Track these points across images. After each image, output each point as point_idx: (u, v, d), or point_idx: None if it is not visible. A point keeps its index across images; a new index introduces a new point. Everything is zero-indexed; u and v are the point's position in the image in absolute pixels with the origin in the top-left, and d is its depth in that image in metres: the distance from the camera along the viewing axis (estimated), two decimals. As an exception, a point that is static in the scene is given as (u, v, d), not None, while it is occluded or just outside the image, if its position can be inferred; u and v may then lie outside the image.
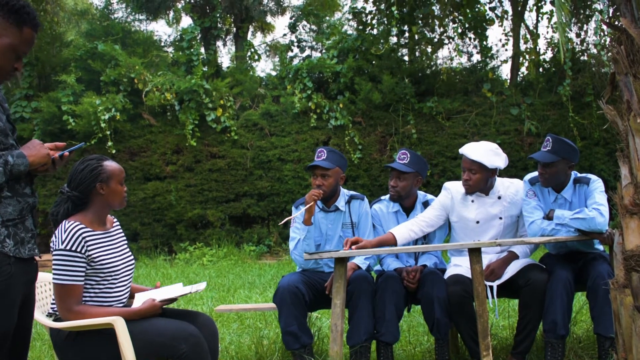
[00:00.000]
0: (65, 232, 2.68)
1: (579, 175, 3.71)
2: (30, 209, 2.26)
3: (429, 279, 3.59)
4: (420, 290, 3.62)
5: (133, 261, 2.97)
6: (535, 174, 3.72)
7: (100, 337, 2.69)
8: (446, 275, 3.69)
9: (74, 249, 2.67)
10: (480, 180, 3.71)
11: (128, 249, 2.97)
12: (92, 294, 2.77)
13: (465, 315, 3.48)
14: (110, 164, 2.83)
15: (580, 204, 3.63)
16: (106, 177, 2.78)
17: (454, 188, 3.86)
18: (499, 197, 3.78)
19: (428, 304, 3.54)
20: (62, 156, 2.33)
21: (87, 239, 2.71)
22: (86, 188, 2.76)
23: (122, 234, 3.00)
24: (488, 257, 3.71)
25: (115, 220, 3.02)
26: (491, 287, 3.60)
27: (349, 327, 3.64)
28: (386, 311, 3.55)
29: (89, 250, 2.71)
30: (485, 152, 3.68)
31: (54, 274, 2.68)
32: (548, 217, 3.59)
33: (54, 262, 2.69)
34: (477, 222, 3.77)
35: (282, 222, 3.61)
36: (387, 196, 3.99)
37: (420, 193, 4.00)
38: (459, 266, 3.73)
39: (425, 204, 3.93)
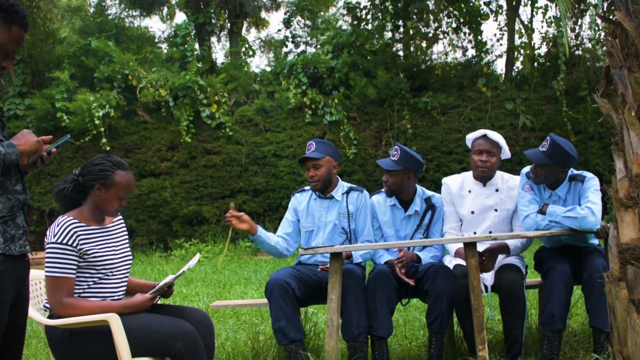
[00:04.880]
0: (58, 226, 2.71)
1: (575, 172, 3.68)
2: (21, 206, 2.26)
3: (441, 273, 3.56)
4: (429, 283, 3.57)
5: (130, 257, 2.96)
6: None
7: (96, 334, 2.69)
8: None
9: (65, 242, 2.68)
10: (495, 165, 3.77)
11: (127, 245, 2.96)
12: (85, 287, 2.77)
13: (470, 309, 3.46)
14: (120, 175, 2.78)
15: (574, 201, 3.61)
16: (109, 183, 2.76)
17: (450, 181, 3.89)
18: (497, 190, 3.79)
19: (438, 297, 3.50)
20: (50, 152, 2.34)
21: (80, 233, 2.72)
22: (88, 182, 2.78)
23: (123, 229, 2.99)
24: (481, 248, 3.69)
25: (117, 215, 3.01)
26: (485, 285, 3.59)
27: (342, 322, 3.61)
28: (378, 305, 3.53)
29: (81, 244, 2.71)
30: (502, 138, 3.78)
31: (46, 266, 2.69)
32: (541, 211, 3.58)
33: (46, 255, 2.70)
34: (472, 212, 3.78)
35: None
36: None
37: (421, 188, 3.94)
38: (456, 258, 3.73)
39: (427, 201, 3.89)
